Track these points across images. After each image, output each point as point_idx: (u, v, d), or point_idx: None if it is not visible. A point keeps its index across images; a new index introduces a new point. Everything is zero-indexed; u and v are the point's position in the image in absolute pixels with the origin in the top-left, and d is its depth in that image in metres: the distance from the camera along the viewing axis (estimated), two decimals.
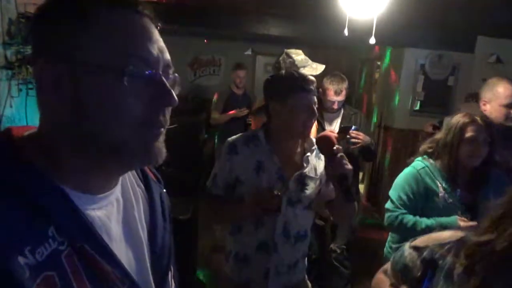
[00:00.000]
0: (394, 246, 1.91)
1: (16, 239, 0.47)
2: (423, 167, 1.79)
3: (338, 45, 5.23)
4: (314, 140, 1.53)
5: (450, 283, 0.80)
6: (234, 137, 1.52)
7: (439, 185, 1.74)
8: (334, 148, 1.29)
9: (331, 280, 2.87)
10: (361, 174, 5.01)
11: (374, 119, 5.23)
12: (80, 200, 0.55)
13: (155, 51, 0.55)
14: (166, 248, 0.69)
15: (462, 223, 1.65)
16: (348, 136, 2.41)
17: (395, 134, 4.59)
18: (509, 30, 3.81)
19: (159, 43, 0.57)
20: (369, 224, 4.04)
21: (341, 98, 2.59)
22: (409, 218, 1.74)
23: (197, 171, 4.29)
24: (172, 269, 0.72)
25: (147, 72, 0.53)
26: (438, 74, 4.39)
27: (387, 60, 4.97)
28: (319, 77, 2.05)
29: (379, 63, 5.28)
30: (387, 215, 1.82)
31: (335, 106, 2.62)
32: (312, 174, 1.49)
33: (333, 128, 2.62)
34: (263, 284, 1.46)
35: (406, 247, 0.95)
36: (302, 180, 1.47)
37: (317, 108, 1.45)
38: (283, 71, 1.54)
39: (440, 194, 1.73)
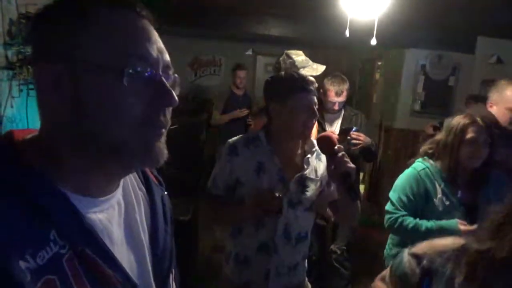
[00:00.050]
0: (394, 248, 1.91)
1: (17, 243, 0.47)
2: (424, 168, 1.78)
3: (338, 45, 5.22)
4: (314, 141, 1.53)
5: None
6: (234, 138, 1.51)
7: (438, 187, 1.74)
8: (336, 147, 1.29)
9: (331, 281, 2.87)
10: (361, 175, 5.00)
11: (375, 120, 5.23)
12: (81, 203, 0.55)
13: (154, 52, 0.56)
14: (167, 250, 0.69)
15: (462, 227, 1.65)
16: (348, 138, 2.41)
17: (396, 135, 4.59)
18: (509, 30, 3.81)
19: (158, 44, 0.57)
20: (369, 225, 4.03)
21: (342, 99, 2.59)
22: (409, 221, 1.74)
23: (197, 171, 4.29)
24: (173, 272, 0.72)
25: (147, 73, 0.54)
26: (438, 74, 4.39)
27: (387, 60, 4.97)
28: (320, 78, 2.05)
29: (379, 63, 5.28)
30: (387, 217, 1.82)
31: (336, 107, 2.62)
32: (312, 176, 1.49)
33: (334, 129, 2.63)
34: (263, 286, 1.46)
35: (405, 254, 0.94)
36: (303, 182, 1.46)
37: (317, 109, 1.45)
38: (283, 72, 1.54)
39: (438, 196, 1.73)
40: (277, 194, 1.36)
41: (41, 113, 0.56)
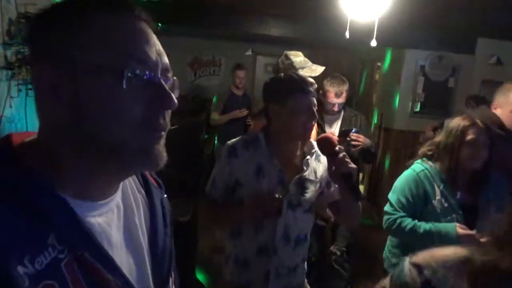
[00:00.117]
0: (393, 249, 1.91)
1: (15, 248, 0.46)
2: (423, 170, 1.79)
3: (338, 46, 5.22)
4: (313, 142, 1.53)
5: None
6: (233, 140, 1.51)
7: (437, 188, 1.74)
8: (336, 148, 1.28)
9: (330, 282, 2.87)
10: (361, 175, 5.01)
11: (375, 120, 5.23)
12: (80, 207, 0.54)
13: (153, 55, 0.56)
14: (167, 253, 0.69)
15: (460, 230, 1.65)
16: (348, 139, 2.41)
17: (395, 135, 4.60)
18: (509, 31, 3.81)
19: (157, 47, 0.57)
20: (369, 226, 4.04)
21: (341, 100, 2.59)
22: (408, 222, 1.74)
23: (197, 172, 4.29)
24: (173, 275, 0.72)
25: (146, 75, 0.53)
26: (438, 75, 4.39)
27: (387, 61, 4.97)
28: (320, 79, 2.05)
29: (379, 64, 5.28)
30: (385, 218, 1.82)
31: (336, 108, 2.61)
32: (312, 177, 1.48)
33: (334, 130, 2.63)
34: (263, 287, 1.46)
35: (406, 263, 0.93)
36: (302, 183, 1.46)
37: (317, 110, 1.45)
38: (283, 73, 1.53)
39: (437, 198, 1.73)
40: (276, 196, 1.36)
41: (40, 115, 0.56)
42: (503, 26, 3.68)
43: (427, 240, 1.68)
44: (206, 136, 5.30)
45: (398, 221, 1.76)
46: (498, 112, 2.19)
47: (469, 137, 1.69)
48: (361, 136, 2.46)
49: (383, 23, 2.42)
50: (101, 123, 0.52)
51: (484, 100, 3.28)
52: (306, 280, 1.61)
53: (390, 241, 1.95)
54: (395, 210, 1.79)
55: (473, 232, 1.65)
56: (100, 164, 0.55)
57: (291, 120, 1.41)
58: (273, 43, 5.42)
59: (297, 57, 2.18)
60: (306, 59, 2.22)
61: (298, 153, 1.51)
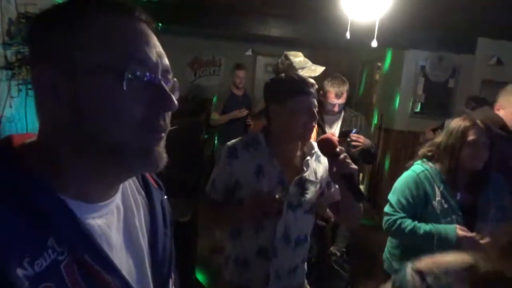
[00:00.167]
0: (393, 250, 1.91)
1: (15, 251, 0.46)
2: (423, 171, 1.78)
3: (338, 46, 5.22)
4: (313, 143, 1.53)
5: None
6: (233, 141, 1.51)
7: (437, 189, 1.74)
8: (337, 149, 1.28)
9: (330, 283, 2.87)
10: (360, 176, 5.01)
11: (375, 121, 5.23)
12: (80, 209, 0.54)
13: (153, 56, 0.55)
14: (166, 255, 0.69)
15: (460, 232, 1.65)
16: (348, 139, 2.41)
17: (396, 136, 4.59)
18: (509, 31, 3.81)
19: (157, 48, 0.57)
20: (369, 226, 4.03)
21: (341, 101, 2.59)
22: (408, 223, 1.74)
23: (197, 172, 4.29)
24: (173, 276, 0.71)
25: (146, 77, 0.53)
26: (438, 76, 4.39)
27: (387, 61, 4.97)
28: (320, 80, 2.04)
29: (379, 64, 5.28)
30: (385, 218, 1.82)
31: (336, 109, 2.61)
32: (312, 178, 1.48)
33: (334, 130, 2.62)
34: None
35: (409, 269, 0.92)
36: (303, 184, 1.46)
37: (317, 111, 1.45)
38: (283, 74, 1.53)
39: (437, 199, 1.73)
40: (276, 196, 1.35)
41: (40, 115, 0.56)
42: (503, 26, 3.68)
43: (427, 241, 1.68)
44: (206, 136, 5.30)
45: (398, 222, 1.75)
46: (501, 113, 2.21)
47: (470, 137, 1.70)
48: (361, 136, 2.46)
49: (384, 23, 2.42)
50: (101, 124, 0.52)
51: (484, 101, 3.29)
52: (306, 281, 1.61)
53: (390, 242, 1.95)
54: (395, 211, 1.79)
55: (473, 234, 1.65)
56: (100, 165, 0.55)
57: (291, 120, 1.40)
58: (273, 43, 5.41)
59: (297, 58, 2.18)
60: (306, 59, 2.21)
61: (298, 153, 1.51)
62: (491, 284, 0.71)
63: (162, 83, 0.56)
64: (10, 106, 2.41)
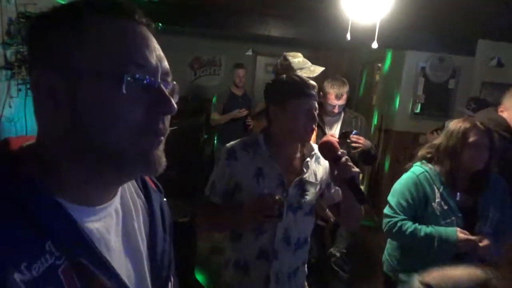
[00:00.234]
0: (393, 252, 1.91)
1: (12, 255, 0.46)
2: (422, 172, 1.78)
3: (339, 47, 5.22)
4: (313, 145, 1.52)
5: None
6: (233, 142, 1.50)
7: (437, 191, 1.74)
8: (339, 153, 1.27)
9: (330, 284, 2.86)
10: (360, 176, 4.99)
11: (375, 122, 5.23)
12: (78, 212, 0.54)
13: (153, 60, 0.55)
14: (166, 258, 0.68)
15: (461, 235, 1.65)
16: (348, 141, 2.40)
17: (396, 137, 4.59)
18: (510, 33, 3.81)
19: (157, 52, 0.57)
20: (369, 227, 4.03)
21: (342, 102, 2.58)
22: (408, 225, 1.73)
23: (196, 172, 4.28)
24: (172, 279, 0.71)
25: (145, 80, 0.53)
26: (438, 77, 4.39)
27: (388, 62, 4.96)
28: (320, 81, 2.04)
29: (379, 65, 5.28)
30: (386, 220, 1.82)
31: (336, 110, 2.61)
32: (312, 179, 1.48)
33: (334, 131, 2.62)
34: None
35: (416, 282, 0.90)
36: (303, 186, 1.45)
37: (317, 113, 1.44)
38: (285, 75, 1.53)
39: (437, 200, 1.73)
40: (277, 197, 1.35)
41: (39, 120, 0.56)
42: (504, 28, 3.68)
43: (427, 244, 1.68)
44: (206, 136, 5.30)
45: (399, 224, 1.75)
46: (505, 115, 2.21)
47: (471, 139, 1.69)
48: (361, 138, 2.45)
49: (384, 24, 2.41)
50: (100, 128, 0.52)
51: (485, 102, 3.29)
52: (306, 283, 1.60)
53: (389, 243, 1.95)
54: (395, 213, 1.78)
55: (474, 237, 1.65)
56: (99, 169, 0.55)
57: (292, 122, 1.40)
58: (274, 44, 5.41)
59: (296, 58, 2.17)
60: (305, 60, 2.21)
61: (298, 155, 1.50)
62: None
63: (162, 86, 0.55)
64: (10, 106, 2.41)
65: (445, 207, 1.72)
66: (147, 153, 0.55)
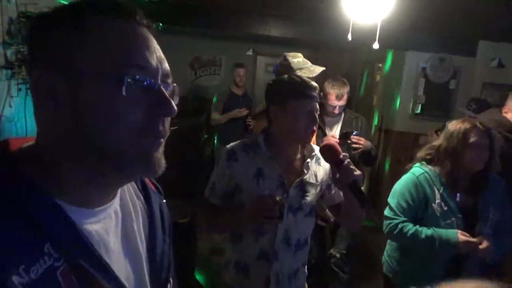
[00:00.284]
0: (392, 253, 1.90)
1: (11, 258, 0.46)
2: (422, 173, 1.78)
3: (339, 47, 5.22)
4: (314, 146, 1.52)
5: None
6: (233, 143, 1.50)
7: (437, 192, 1.74)
8: (341, 156, 1.26)
9: (330, 285, 2.86)
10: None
11: (375, 122, 5.23)
12: (77, 214, 0.54)
13: (154, 61, 0.55)
14: (165, 260, 0.68)
15: (461, 237, 1.65)
16: (349, 142, 2.40)
17: (396, 137, 4.59)
18: (510, 34, 3.81)
19: (157, 53, 0.56)
20: (369, 228, 4.03)
21: (342, 102, 2.58)
22: (409, 228, 1.73)
23: (196, 172, 4.28)
24: (171, 281, 0.71)
25: (146, 81, 0.53)
26: (439, 77, 4.39)
27: (388, 63, 4.96)
28: (321, 81, 2.04)
29: (380, 65, 5.27)
30: (386, 222, 1.81)
31: (336, 111, 2.60)
32: (312, 180, 1.47)
33: (334, 132, 2.61)
34: None
35: None
36: (303, 187, 1.45)
37: (318, 114, 1.44)
38: (286, 76, 1.52)
39: (437, 201, 1.73)
40: (277, 198, 1.34)
41: (38, 120, 0.55)
42: (505, 29, 3.68)
43: (428, 246, 1.68)
44: (206, 136, 5.29)
45: (400, 226, 1.75)
46: (509, 116, 2.22)
47: (472, 139, 1.69)
48: (362, 139, 2.45)
49: (385, 25, 2.41)
50: (101, 128, 0.52)
51: (485, 103, 3.28)
52: (306, 285, 1.60)
53: (389, 245, 1.94)
54: (396, 214, 1.78)
55: (474, 239, 1.65)
56: (98, 170, 0.55)
57: (292, 123, 1.39)
58: (274, 44, 5.41)
59: (295, 58, 2.17)
60: (305, 60, 2.20)
61: (298, 156, 1.50)
62: None
63: (162, 88, 0.55)
64: (10, 106, 2.41)
65: (445, 208, 1.72)
66: (147, 155, 0.55)
